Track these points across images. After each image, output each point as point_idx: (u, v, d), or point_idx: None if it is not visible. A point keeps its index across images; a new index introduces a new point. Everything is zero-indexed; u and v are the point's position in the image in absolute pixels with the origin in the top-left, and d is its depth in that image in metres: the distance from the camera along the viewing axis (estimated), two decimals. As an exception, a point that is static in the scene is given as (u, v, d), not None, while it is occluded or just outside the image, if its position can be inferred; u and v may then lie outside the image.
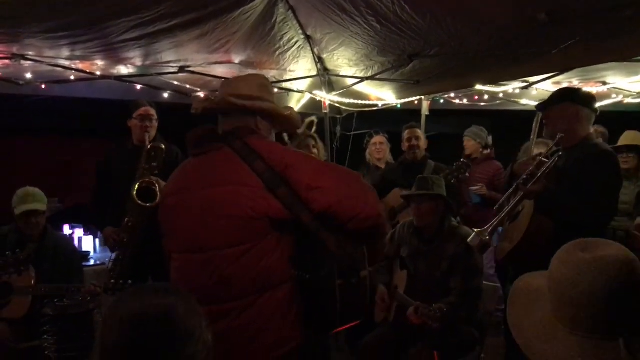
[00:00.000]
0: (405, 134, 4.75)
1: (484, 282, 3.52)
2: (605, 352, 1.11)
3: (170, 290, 1.21)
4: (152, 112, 3.80)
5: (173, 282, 2.12)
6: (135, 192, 3.41)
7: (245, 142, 2.05)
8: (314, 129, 3.83)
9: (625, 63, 4.51)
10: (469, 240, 2.99)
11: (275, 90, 5.30)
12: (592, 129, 3.04)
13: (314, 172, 2.00)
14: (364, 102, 5.75)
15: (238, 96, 2.11)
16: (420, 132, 4.74)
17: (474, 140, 5.29)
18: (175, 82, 4.81)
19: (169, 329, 1.11)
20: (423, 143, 4.69)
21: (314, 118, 3.92)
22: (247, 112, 2.12)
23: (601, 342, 1.12)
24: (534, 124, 3.34)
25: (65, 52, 3.98)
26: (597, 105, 3.10)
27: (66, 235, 5.04)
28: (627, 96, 5.84)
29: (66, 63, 4.17)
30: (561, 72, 4.76)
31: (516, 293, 1.34)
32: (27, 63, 3.98)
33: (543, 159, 2.97)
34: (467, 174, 4.38)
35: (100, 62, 4.32)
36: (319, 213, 1.96)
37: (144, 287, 1.24)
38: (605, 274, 1.11)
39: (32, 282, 3.41)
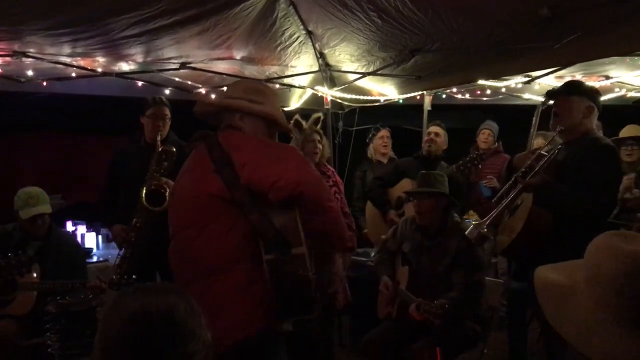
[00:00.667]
0: (428, 129, 4.86)
1: (487, 278, 3.53)
2: None
3: (170, 289, 1.21)
4: (166, 111, 3.75)
5: None
6: (144, 195, 3.41)
7: (215, 135, 2.23)
8: (319, 125, 3.82)
9: (627, 57, 4.49)
10: (466, 232, 3.00)
11: (277, 86, 5.29)
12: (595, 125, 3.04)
13: (247, 150, 2.12)
14: (365, 97, 5.73)
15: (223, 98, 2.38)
16: (441, 130, 4.78)
17: (493, 134, 5.31)
18: (177, 79, 4.79)
19: (172, 327, 1.12)
20: (441, 140, 4.73)
21: (320, 114, 3.91)
22: (229, 111, 2.27)
23: None
24: (534, 117, 3.35)
25: (67, 49, 3.97)
26: (601, 99, 3.11)
27: (70, 232, 5.05)
28: (630, 90, 5.82)
29: (67, 60, 4.16)
30: (564, 67, 4.74)
31: (542, 290, 1.27)
32: (28, 60, 3.97)
33: (542, 152, 2.97)
34: (480, 166, 4.40)
35: (101, 59, 4.31)
36: (246, 187, 2.06)
37: (145, 286, 1.25)
38: None
39: (37, 279, 3.42)
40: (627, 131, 4.29)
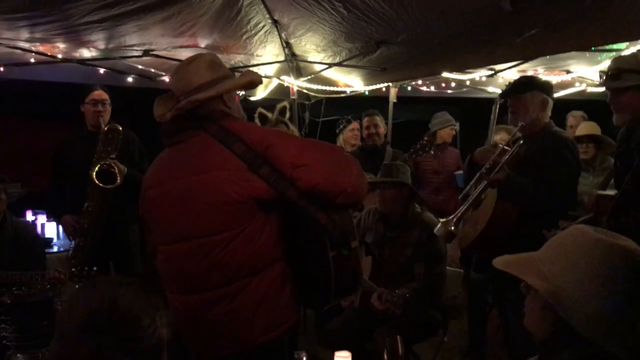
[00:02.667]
0: (365, 122, 4.86)
1: (448, 267, 3.59)
2: None
3: (123, 283, 1.26)
4: (105, 96, 3.75)
5: (161, 275, 2.14)
6: (94, 175, 3.36)
7: (221, 125, 2.04)
8: (287, 114, 3.73)
9: (587, 52, 4.59)
10: (435, 230, 3.04)
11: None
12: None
13: (296, 149, 2.00)
14: (332, 88, 5.73)
15: (197, 90, 2.04)
16: (379, 119, 4.81)
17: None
18: (140, 66, 4.71)
19: (114, 314, 1.18)
20: (382, 130, 4.78)
21: (285, 103, 3.79)
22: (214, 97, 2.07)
23: None
24: (493, 112, 3.42)
25: (25, 34, 3.86)
26: (562, 93, 3.19)
27: (28, 221, 4.93)
28: (590, 85, 5.95)
29: (26, 45, 4.05)
30: (526, 60, 4.83)
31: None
32: (-17, 45, 3.86)
33: (505, 147, 3.04)
34: (432, 152, 4.38)
35: (61, 45, 4.20)
36: (306, 190, 1.97)
37: (100, 281, 1.36)
38: None
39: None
40: (583, 129, 4.36)
